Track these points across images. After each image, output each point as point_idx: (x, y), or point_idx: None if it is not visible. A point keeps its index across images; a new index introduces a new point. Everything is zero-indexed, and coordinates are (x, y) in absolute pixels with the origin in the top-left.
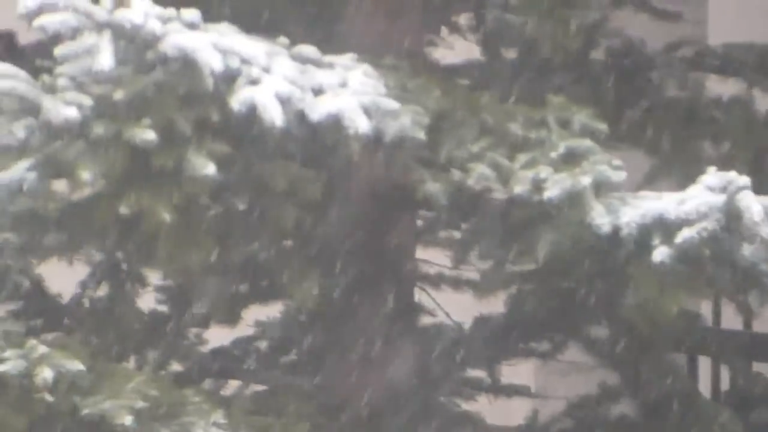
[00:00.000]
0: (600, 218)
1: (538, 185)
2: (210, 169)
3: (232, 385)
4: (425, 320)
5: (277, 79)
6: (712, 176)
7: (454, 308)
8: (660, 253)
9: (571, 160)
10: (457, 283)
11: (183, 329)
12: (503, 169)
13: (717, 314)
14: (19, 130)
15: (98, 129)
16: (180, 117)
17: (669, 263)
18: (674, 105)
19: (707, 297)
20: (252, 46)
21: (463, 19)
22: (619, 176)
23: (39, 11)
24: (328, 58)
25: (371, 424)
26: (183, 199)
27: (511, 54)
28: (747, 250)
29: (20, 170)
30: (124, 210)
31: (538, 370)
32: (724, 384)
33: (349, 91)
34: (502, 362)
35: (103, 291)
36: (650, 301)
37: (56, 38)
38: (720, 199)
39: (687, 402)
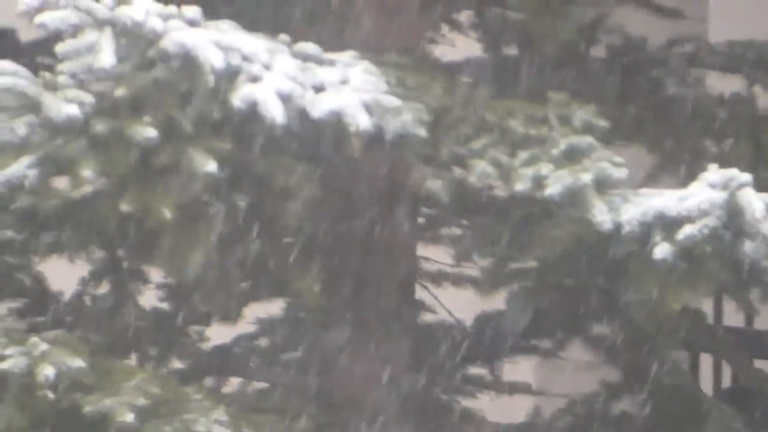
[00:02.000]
0: (601, 215)
1: (539, 182)
2: (211, 166)
3: (234, 383)
4: (426, 317)
5: (278, 76)
6: (714, 173)
7: (455, 305)
8: (661, 250)
9: (572, 157)
10: (458, 280)
11: (184, 327)
12: (504, 166)
13: (718, 311)
14: (20, 127)
15: (99, 126)
16: (181, 114)
17: (670, 260)
18: (675, 102)
19: (709, 294)
20: (253, 44)
21: (464, 16)
22: (621, 173)
23: (40, 8)
24: (329, 55)
25: (372, 421)
26: (184, 196)
27: (511, 51)
28: (749, 246)
29: (21, 167)
30: (125, 207)
31: (539, 367)
32: (726, 381)
33: (350, 88)
34: (503, 359)
35: (104, 288)
36: (652, 298)
37: (57, 35)
38: (721, 196)
39: (688, 399)
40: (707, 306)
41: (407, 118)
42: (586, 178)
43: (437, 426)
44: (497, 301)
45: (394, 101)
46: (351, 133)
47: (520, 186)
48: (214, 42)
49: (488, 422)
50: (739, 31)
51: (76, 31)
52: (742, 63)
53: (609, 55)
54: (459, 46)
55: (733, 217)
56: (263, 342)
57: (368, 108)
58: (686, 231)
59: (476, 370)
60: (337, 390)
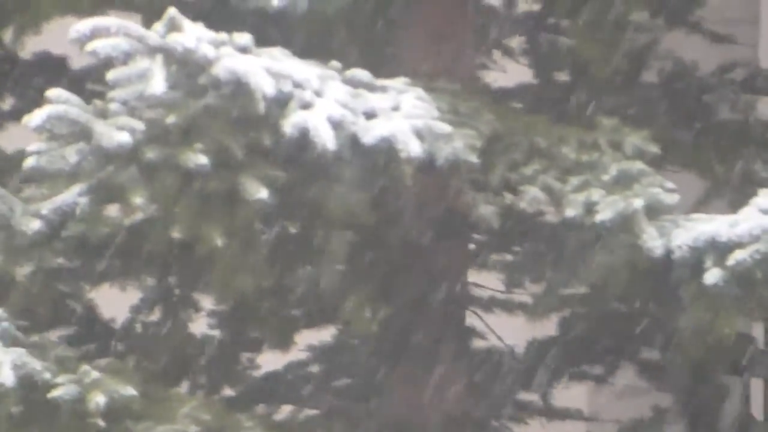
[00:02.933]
0: (652, 241)
1: (590, 208)
2: (263, 193)
3: (285, 410)
4: (477, 344)
5: (329, 103)
6: (765, 198)
7: (506, 331)
8: (713, 276)
9: (623, 182)
10: (509, 306)
11: (235, 354)
12: (555, 192)
13: None
14: (72, 154)
15: (150, 153)
16: (232, 141)
17: (722, 285)
18: (726, 127)
19: (760, 319)
20: (304, 70)
21: (515, 43)
22: (672, 199)
23: (91, 36)
24: (381, 82)
25: None
26: (236, 223)
27: (563, 77)
28: None
29: (72, 195)
30: (176, 235)
31: (591, 393)
32: None
33: (401, 115)
34: (554, 385)
35: (155, 316)
36: (703, 324)
37: (108, 63)
38: None
39: (740, 424)
40: (758, 331)
41: (458, 145)
42: (637, 203)
43: None
44: (548, 327)
45: (445, 127)
46: (402, 160)
47: (571, 212)
48: (265, 69)
49: None
50: None
51: (127, 58)
52: None
53: (660, 80)
54: (510, 72)
55: None
56: (315, 369)
57: (419, 134)
58: (737, 256)
59: (528, 396)
60: (389, 417)
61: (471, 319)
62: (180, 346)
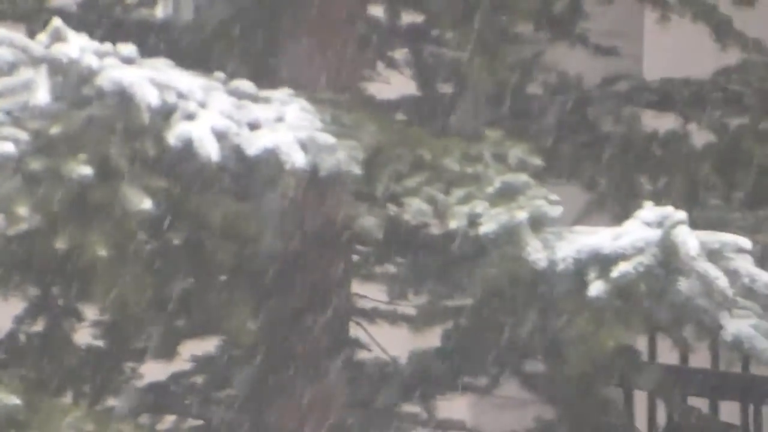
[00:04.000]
0: (536, 253)
1: (474, 220)
2: (146, 203)
3: (169, 420)
4: (361, 355)
5: (213, 114)
6: (649, 211)
7: (390, 343)
8: (596, 288)
9: (507, 194)
10: (393, 318)
11: (119, 364)
12: (439, 204)
13: (653, 349)
14: None
15: (34, 164)
16: (116, 152)
17: (605, 298)
18: (610, 139)
19: (643, 331)
20: (188, 81)
21: (399, 54)
22: (556, 211)
23: None
24: (265, 93)
25: None
26: (119, 234)
27: (447, 88)
28: (683, 284)
29: None
30: (60, 245)
31: (474, 405)
32: (660, 419)
33: (285, 126)
34: (437, 397)
35: (39, 326)
36: (587, 336)
37: None
38: (656, 233)
39: None
40: (642, 343)
41: (342, 156)
42: (521, 215)
43: None
44: (432, 339)
45: (329, 139)
46: (286, 171)
47: (455, 224)
48: (149, 79)
49: None
50: (674, 69)
51: (11, 68)
52: (676, 100)
53: (544, 92)
54: (394, 84)
55: (668, 255)
56: (198, 379)
57: (303, 145)
58: (621, 269)
59: (411, 408)
60: (272, 428)
61: (355, 330)
62: (63, 356)
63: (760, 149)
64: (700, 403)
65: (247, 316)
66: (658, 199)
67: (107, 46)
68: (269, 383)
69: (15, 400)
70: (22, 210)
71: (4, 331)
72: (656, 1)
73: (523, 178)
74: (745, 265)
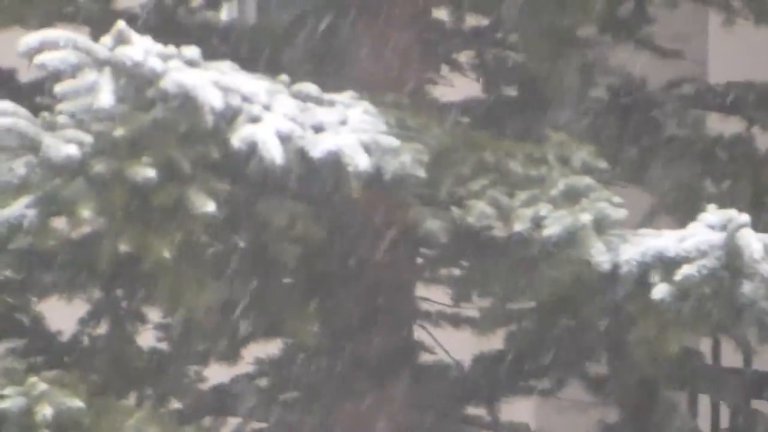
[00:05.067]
0: (600, 256)
1: (537, 223)
2: (210, 206)
3: (232, 423)
4: (425, 358)
5: (277, 117)
6: (713, 214)
7: (454, 346)
8: (660, 291)
9: (571, 197)
10: (457, 321)
11: (183, 367)
12: (503, 207)
13: (716, 351)
14: (20, 167)
15: (98, 166)
16: (180, 154)
17: (669, 301)
18: (675, 142)
19: (707, 334)
20: (252, 84)
21: (464, 57)
22: (620, 214)
23: (40, 48)
24: (329, 96)
25: None
26: (183, 236)
27: (511, 91)
28: (747, 287)
29: (20, 207)
30: (124, 247)
31: (538, 408)
32: (724, 422)
33: (349, 129)
34: (501, 400)
35: (103, 329)
36: (650, 339)
37: (56, 76)
38: (720, 236)
39: None
40: (705, 346)
41: (406, 159)
42: (585, 218)
43: None
44: (495, 341)
45: (393, 142)
46: (350, 174)
47: (519, 226)
48: (213, 82)
49: None
50: (739, 72)
51: (75, 71)
52: (741, 104)
53: (609, 95)
54: (458, 87)
55: (732, 257)
56: (262, 382)
57: (367, 148)
58: (685, 271)
59: (475, 411)
60: (335, 430)
61: (419, 333)
62: (127, 358)
63: None
64: (764, 407)
65: (311, 319)
66: (723, 203)
67: (171, 48)
68: (333, 386)
69: (78, 403)
70: (86, 212)
71: (69, 334)
72: (721, 3)
73: (587, 180)
74: None
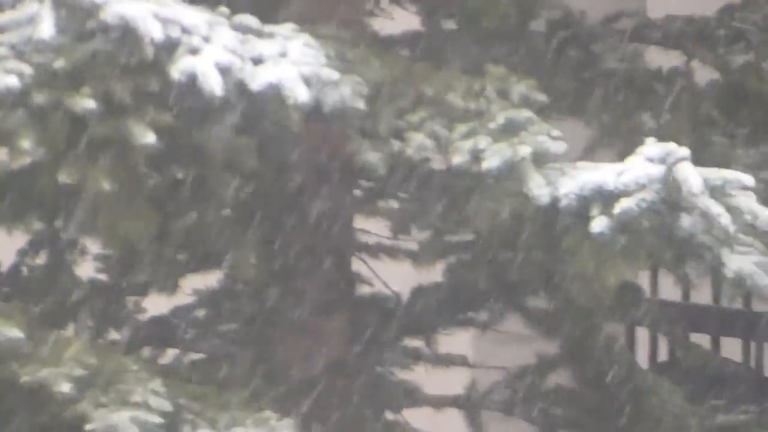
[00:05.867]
0: (539, 189)
1: (476, 155)
2: (150, 138)
3: (171, 354)
4: (363, 290)
5: (217, 49)
6: (652, 147)
7: (392, 278)
8: (599, 224)
9: (510, 130)
10: (395, 253)
11: (122, 298)
12: (442, 140)
13: (655, 285)
14: None
15: (38, 98)
16: (120, 86)
17: (608, 234)
18: (614, 76)
19: (646, 268)
20: (192, 16)
21: None
22: (559, 147)
23: None
24: (269, 28)
25: (309, 393)
26: (123, 168)
27: (450, 24)
28: (686, 221)
29: None
30: (63, 179)
31: (476, 340)
32: (662, 355)
33: (289, 61)
34: (440, 332)
35: (42, 260)
36: (589, 272)
37: None
38: (659, 170)
39: (625, 373)
40: (644, 280)
41: (346, 91)
42: (524, 151)
43: (374, 398)
44: (434, 274)
45: (333, 74)
46: (290, 106)
47: (458, 159)
48: (153, 14)
49: (425, 395)
50: (678, 6)
51: (15, 2)
52: (680, 38)
53: (548, 28)
54: (398, 19)
55: (671, 191)
56: (201, 313)
57: (307, 81)
58: (624, 205)
59: (413, 343)
60: (273, 363)
61: (357, 265)
62: (67, 289)
63: (764, 87)
64: (702, 340)
65: (250, 251)
66: (662, 136)
67: None
68: (271, 318)
69: (18, 333)
70: (26, 143)
71: (8, 265)
72: None
73: (526, 114)
74: (748, 202)
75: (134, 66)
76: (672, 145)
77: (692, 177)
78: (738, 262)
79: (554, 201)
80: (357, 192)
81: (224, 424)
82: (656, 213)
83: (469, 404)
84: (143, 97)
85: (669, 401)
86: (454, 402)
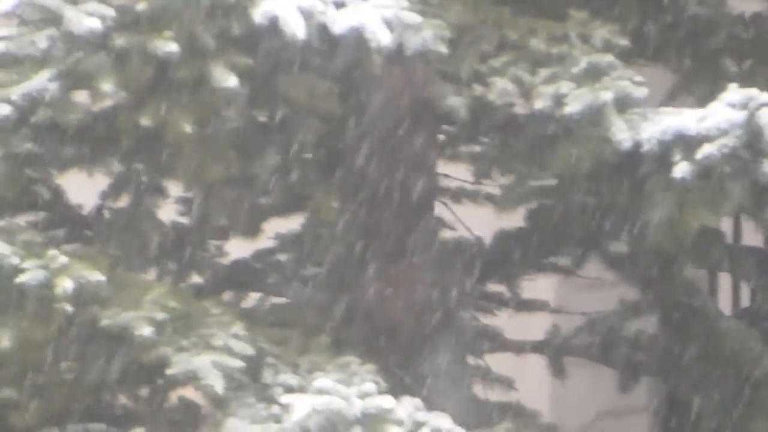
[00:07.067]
0: (621, 134)
1: (559, 100)
2: (232, 81)
3: (252, 298)
4: (446, 234)
5: None
6: (734, 93)
7: (474, 222)
8: (680, 170)
9: (592, 75)
10: (477, 198)
11: (203, 241)
12: (525, 84)
13: (737, 231)
14: (41, 40)
15: (120, 40)
16: (202, 29)
17: (689, 179)
18: (696, 21)
19: (728, 214)
20: None
21: None
22: (641, 92)
23: None
24: None
25: (391, 337)
26: (204, 111)
27: None
28: (767, 166)
29: (42, 80)
30: (145, 122)
31: (558, 285)
32: (744, 301)
33: (371, 4)
34: (521, 277)
35: (123, 202)
36: (671, 217)
37: None
38: (741, 115)
39: (706, 318)
40: (726, 226)
41: (428, 35)
42: (606, 96)
43: (456, 343)
44: (516, 219)
45: (415, 18)
46: (371, 49)
47: (540, 104)
48: None
49: (506, 339)
50: None
51: None
52: None
53: None
54: None
55: (753, 136)
56: (282, 257)
57: (389, 24)
58: (705, 150)
59: (495, 288)
60: (357, 306)
61: (440, 210)
62: (148, 232)
63: None
64: None
65: (332, 195)
66: (744, 82)
67: None
68: (353, 262)
69: (98, 276)
70: (107, 86)
71: (89, 207)
72: None
73: (608, 58)
74: None
75: (216, 9)
76: (754, 91)
77: None
78: None
79: (636, 146)
80: (440, 136)
81: (306, 368)
82: (738, 158)
83: (550, 349)
84: (225, 41)
85: (749, 347)
86: (536, 347)
